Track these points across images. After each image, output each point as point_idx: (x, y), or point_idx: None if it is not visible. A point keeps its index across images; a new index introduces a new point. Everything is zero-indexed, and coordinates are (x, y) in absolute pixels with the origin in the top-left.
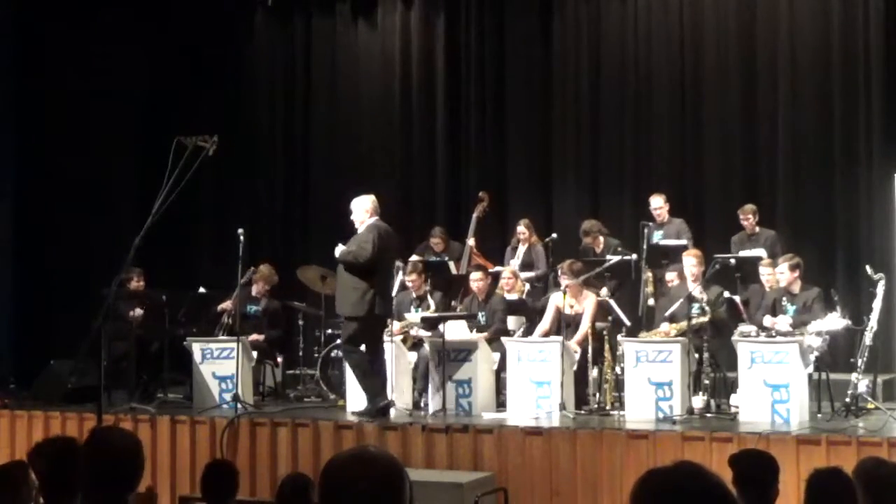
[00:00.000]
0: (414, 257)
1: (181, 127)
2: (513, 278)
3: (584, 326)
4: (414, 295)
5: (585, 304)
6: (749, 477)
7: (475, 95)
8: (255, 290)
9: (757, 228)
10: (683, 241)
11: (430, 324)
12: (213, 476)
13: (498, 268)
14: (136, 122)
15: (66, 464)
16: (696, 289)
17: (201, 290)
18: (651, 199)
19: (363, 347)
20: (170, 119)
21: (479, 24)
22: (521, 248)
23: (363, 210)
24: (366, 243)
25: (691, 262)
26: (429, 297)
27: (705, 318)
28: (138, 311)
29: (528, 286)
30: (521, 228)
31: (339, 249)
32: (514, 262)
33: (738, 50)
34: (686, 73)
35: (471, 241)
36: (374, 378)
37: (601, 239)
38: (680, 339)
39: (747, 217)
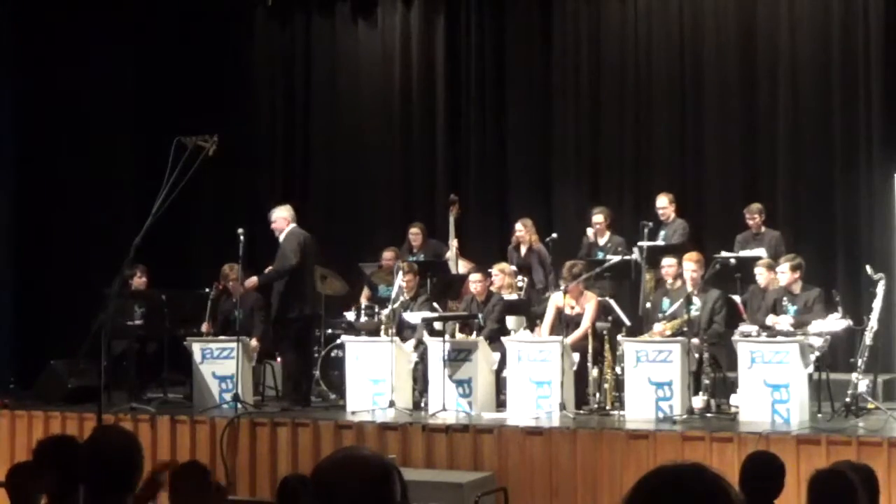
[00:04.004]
0: (411, 258)
1: (181, 127)
2: (500, 274)
3: (583, 327)
4: (407, 296)
5: (586, 305)
6: (758, 479)
7: (475, 95)
8: (234, 295)
9: (762, 228)
10: (675, 241)
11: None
12: (179, 479)
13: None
14: (136, 122)
15: (68, 462)
16: (693, 291)
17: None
18: (657, 199)
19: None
20: (170, 119)
21: (479, 24)
22: (523, 249)
23: (282, 219)
24: (290, 252)
25: (690, 266)
26: (418, 297)
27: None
28: (141, 312)
29: (524, 282)
30: (519, 227)
31: (253, 281)
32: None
33: (738, 49)
34: (686, 72)
35: (454, 243)
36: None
37: (608, 233)
38: (680, 338)
39: (753, 216)
